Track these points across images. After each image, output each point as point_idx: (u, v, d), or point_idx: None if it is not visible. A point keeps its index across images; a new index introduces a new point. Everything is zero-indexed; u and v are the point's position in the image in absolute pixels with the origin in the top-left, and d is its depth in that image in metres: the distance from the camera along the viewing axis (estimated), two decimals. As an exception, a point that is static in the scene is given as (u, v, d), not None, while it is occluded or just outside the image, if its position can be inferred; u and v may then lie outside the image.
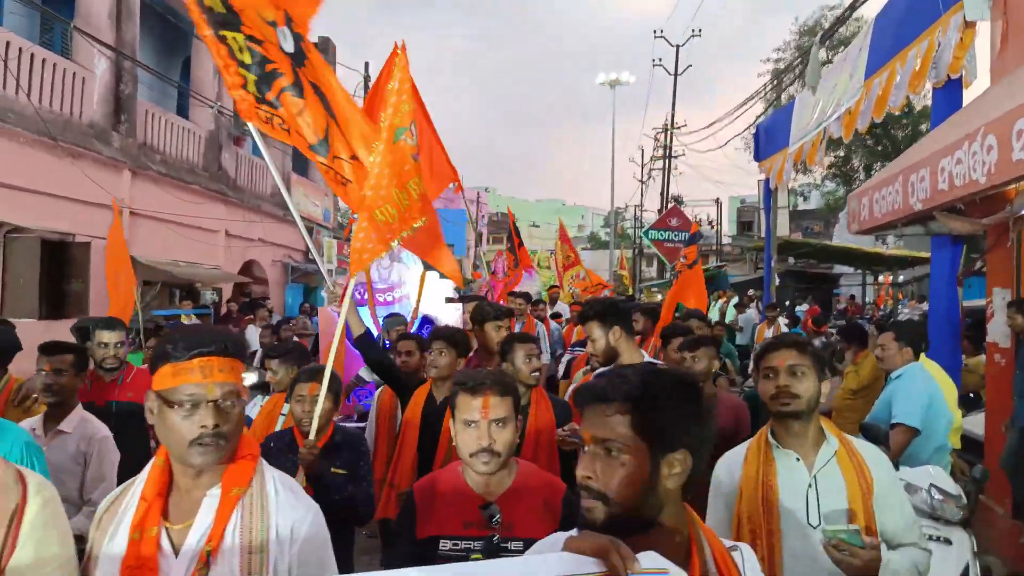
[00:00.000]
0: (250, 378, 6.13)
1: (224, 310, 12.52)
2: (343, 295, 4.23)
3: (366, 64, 18.87)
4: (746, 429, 3.62)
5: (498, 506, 1.92)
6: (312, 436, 2.57)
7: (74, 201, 9.61)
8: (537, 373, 3.04)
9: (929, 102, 6.90)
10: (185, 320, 9.96)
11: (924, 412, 3.86)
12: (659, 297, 19.82)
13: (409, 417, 3.33)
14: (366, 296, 4.56)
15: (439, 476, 2.08)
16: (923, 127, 17.49)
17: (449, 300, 7.29)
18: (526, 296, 7.37)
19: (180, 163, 12.08)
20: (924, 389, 3.96)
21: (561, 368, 4.99)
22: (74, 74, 9.70)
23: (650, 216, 28.57)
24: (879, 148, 20.01)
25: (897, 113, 18.93)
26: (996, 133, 3.49)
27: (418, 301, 4.50)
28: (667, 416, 1.22)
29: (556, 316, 9.66)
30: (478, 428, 1.95)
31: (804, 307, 18.21)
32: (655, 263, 30.77)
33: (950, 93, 5.70)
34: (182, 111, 13.09)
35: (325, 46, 18.92)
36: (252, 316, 10.46)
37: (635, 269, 33.67)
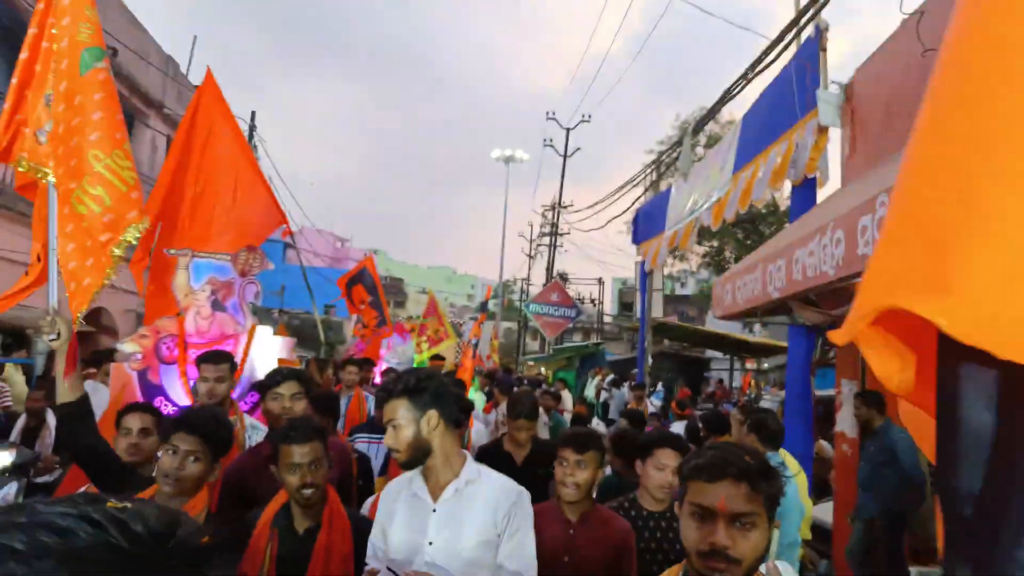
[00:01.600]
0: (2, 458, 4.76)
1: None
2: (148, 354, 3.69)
3: (252, 113, 18.22)
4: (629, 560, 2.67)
5: None
6: None
7: None
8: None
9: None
10: (10, 373, 8.72)
11: (780, 508, 3.75)
12: (541, 370, 19.80)
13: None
14: (176, 352, 3.95)
15: None
16: (787, 225, 18.77)
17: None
18: (366, 363, 6.96)
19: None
20: (796, 498, 3.88)
21: (379, 462, 4.02)
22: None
23: (536, 290, 28.94)
24: (748, 242, 21.37)
25: (764, 211, 20.16)
26: (844, 228, 3.57)
27: (243, 362, 3.93)
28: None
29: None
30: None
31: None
32: (539, 337, 31.03)
33: (806, 191, 6.00)
34: None
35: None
36: (95, 370, 9.28)
37: (519, 342, 33.79)
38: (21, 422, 5.68)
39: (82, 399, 2.53)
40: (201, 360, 3.35)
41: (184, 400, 3.86)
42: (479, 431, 5.38)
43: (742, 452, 1.49)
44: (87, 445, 2.50)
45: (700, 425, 6.91)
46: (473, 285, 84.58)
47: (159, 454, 2.34)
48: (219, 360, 3.33)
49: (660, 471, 2.86)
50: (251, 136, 20.29)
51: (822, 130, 5.60)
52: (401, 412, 2.10)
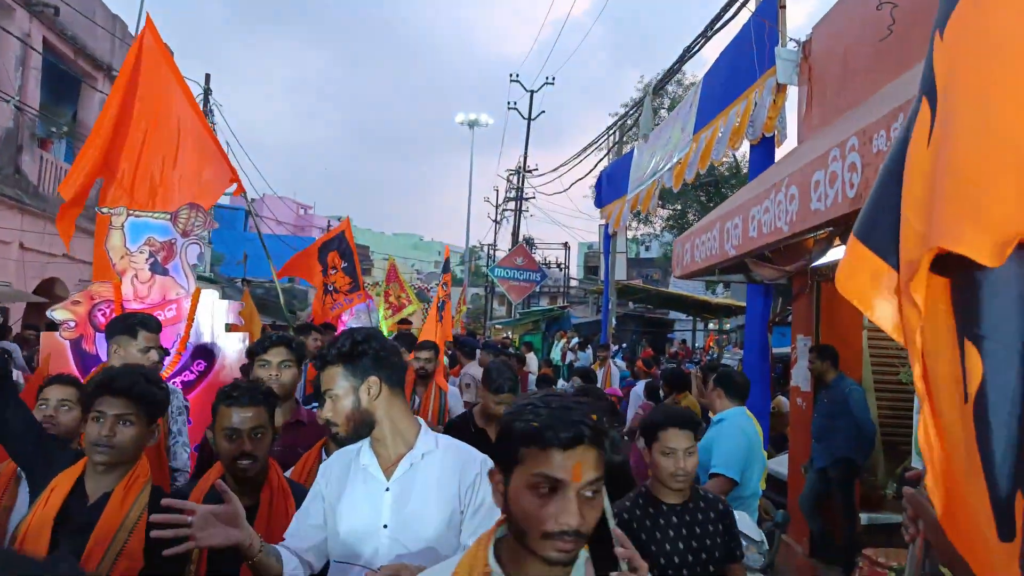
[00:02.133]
0: None
1: (13, 333, 10.86)
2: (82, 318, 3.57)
3: (207, 76, 17.64)
4: None
5: None
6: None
7: None
8: None
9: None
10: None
11: (743, 462, 3.81)
12: (505, 334, 19.90)
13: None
14: (111, 317, 3.75)
15: None
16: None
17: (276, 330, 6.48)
18: (327, 329, 6.77)
19: (-38, 161, 10.49)
20: (744, 438, 3.91)
21: None
22: None
23: (504, 256, 28.92)
24: (711, 204, 21.57)
25: (727, 174, 20.29)
26: (797, 184, 3.61)
27: (188, 328, 3.76)
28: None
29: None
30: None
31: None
32: (506, 302, 31.10)
33: (764, 150, 6.06)
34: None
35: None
36: None
37: (487, 307, 33.85)
38: None
39: (1, 363, 2.21)
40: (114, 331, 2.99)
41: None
42: (455, 396, 5.17)
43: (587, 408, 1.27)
44: (5, 416, 2.18)
45: (660, 383, 7.04)
46: (440, 252, 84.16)
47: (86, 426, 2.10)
48: (150, 327, 3.02)
49: (668, 456, 2.52)
50: (206, 101, 19.68)
51: (780, 88, 5.64)
52: (339, 381, 1.85)
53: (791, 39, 5.58)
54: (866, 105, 4.01)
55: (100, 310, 3.69)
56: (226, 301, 4.04)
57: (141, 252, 3.88)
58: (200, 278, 19.51)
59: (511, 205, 28.02)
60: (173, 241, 3.95)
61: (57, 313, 3.67)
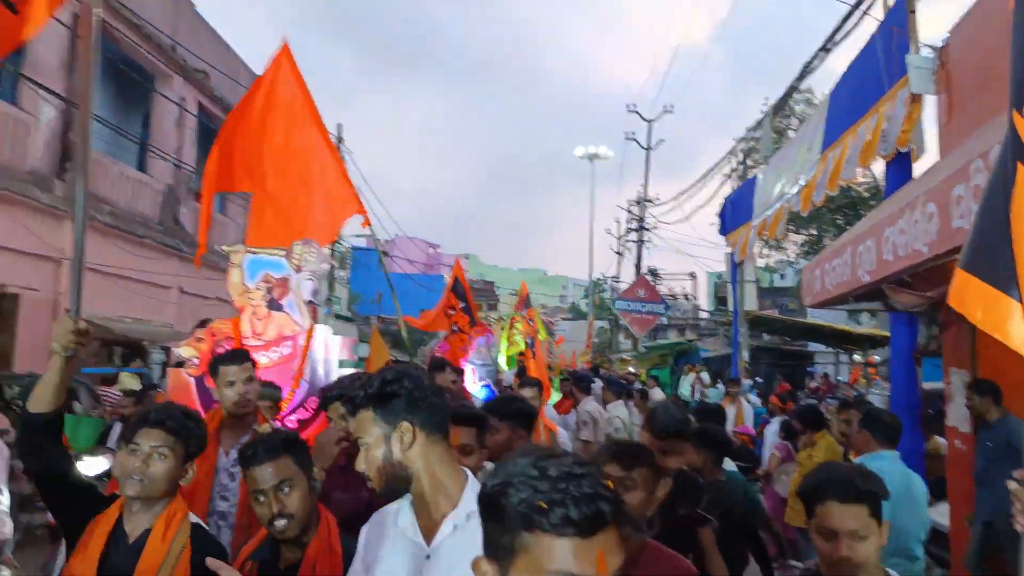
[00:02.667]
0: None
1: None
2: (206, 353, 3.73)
3: (339, 126, 18.86)
4: None
5: None
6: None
7: (6, 250, 9.18)
8: None
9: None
10: (124, 380, 9.37)
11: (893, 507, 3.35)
12: (629, 369, 19.45)
13: None
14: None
15: None
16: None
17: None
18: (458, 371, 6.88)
19: (132, 216, 11.74)
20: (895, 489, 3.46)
21: None
22: (16, 120, 9.44)
23: (625, 288, 28.48)
24: (849, 228, 20.19)
25: (865, 195, 18.97)
26: (936, 201, 3.25)
27: (302, 365, 3.78)
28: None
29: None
30: None
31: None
32: (631, 335, 30.53)
33: (900, 166, 5.56)
34: (141, 165, 12.87)
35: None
36: None
37: (611, 340, 33.35)
38: (118, 429, 5.92)
39: (60, 412, 2.14)
40: (220, 362, 2.95)
41: None
42: (565, 436, 4.99)
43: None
44: (54, 467, 2.11)
45: (796, 420, 6.54)
46: (564, 286, 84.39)
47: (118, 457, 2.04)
48: (242, 359, 2.98)
49: (828, 540, 1.89)
50: (339, 149, 21.00)
51: (915, 99, 5.16)
52: (369, 428, 1.63)
53: (925, 45, 5.12)
54: (1005, 115, 3.56)
55: (222, 347, 3.72)
56: (339, 337, 4.16)
57: (258, 288, 3.93)
58: (338, 316, 20.63)
59: (633, 236, 27.63)
60: (288, 277, 3.98)
61: (182, 350, 3.79)
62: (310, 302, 4.02)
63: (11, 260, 9.29)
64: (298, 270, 3.99)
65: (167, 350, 13.03)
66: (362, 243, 40.37)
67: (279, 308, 3.93)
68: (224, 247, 4.05)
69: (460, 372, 6.75)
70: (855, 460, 3.72)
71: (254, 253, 3.99)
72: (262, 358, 3.68)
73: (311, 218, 4.30)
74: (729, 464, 3.94)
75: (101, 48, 10.77)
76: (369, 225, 4.53)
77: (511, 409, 3.18)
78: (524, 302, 12.49)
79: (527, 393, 4.69)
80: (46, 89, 9.42)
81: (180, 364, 3.86)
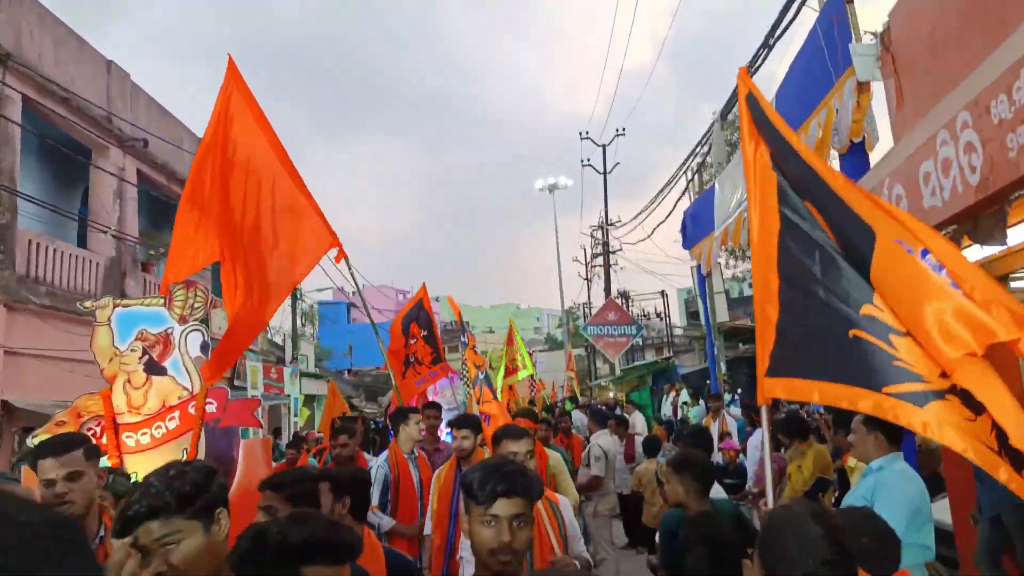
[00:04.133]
0: None
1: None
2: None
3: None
4: None
5: None
6: None
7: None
8: None
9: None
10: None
11: (907, 521, 3.04)
12: (610, 394, 19.10)
13: None
14: (103, 438, 3.08)
15: None
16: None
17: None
18: (436, 407, 6.44)
19: (72, 294, 11.19)
20: (909, 494, 3.15)
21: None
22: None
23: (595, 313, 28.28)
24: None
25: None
26: (902, 181, 3.01)
27: (195, 438, 3.13)
28: None
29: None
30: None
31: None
32: (607, 360, 30.24)
33: (855, 157, 5.39)
34: (82, 241, 12.36)
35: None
36: None
37: (590, 367, 33.01)
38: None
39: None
40: (36, 455, 2.34)
41: None
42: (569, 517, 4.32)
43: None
44: None
45: (779, 430, 6.25)
46: (539, 318, 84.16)
47: None
48: (62, 449, 2.35)
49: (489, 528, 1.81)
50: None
51: (862, 88, 5.02)
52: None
53: (865, 32, 4.99)
54: (969, 80, 3.37)
55: (89, 428, 3.09)
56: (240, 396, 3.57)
57: (133, 350, 3.19)
58: (305, 374, 19.95)
59: (600, 261, 27.54)
60: (169, 331, 3.24)
61: (38, 440, 3.01)
62: (198, 358, 3.27)
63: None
64: (182, 320, 3.27)
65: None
66: (328, 296, 39.80)
67: (161, 371, 3.19)
68: (86, 303, 3.34)
69: (436, 407, 6.19)
70: (872, 464, 3.38)
71: (125, 307, 3.29)
72: (143, 437, 3.07)
73: (285, 259, 3.63)
74: (716, 490, 3.61)
75: (34, 127, 10.35)
76: (346, 257, 3.88)
77: None
78: (511, 338, 12.35)
79: (512, 447, 3.50)
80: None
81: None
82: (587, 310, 34.97)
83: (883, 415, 2.03)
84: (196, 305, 3.25)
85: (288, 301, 21.33)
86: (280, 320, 21.60)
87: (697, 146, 10.98)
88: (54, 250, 11.07)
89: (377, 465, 3.90)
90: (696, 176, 12.64)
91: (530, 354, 32.46)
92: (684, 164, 11.49)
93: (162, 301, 3.25)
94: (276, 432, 15.18)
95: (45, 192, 11.73)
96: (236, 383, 16.18)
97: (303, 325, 37.54)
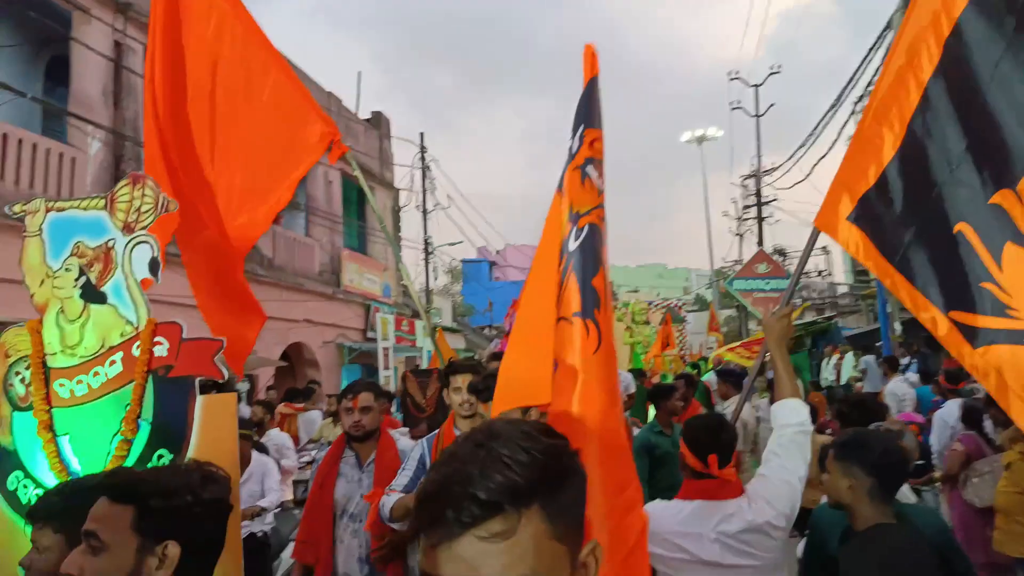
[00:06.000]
0: None
1: (260, 398, 11.40)
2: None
3: (421, 135, 18.25)
4: None
5: None
6: None
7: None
8: None
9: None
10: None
11: None
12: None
13: None
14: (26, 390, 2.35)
15: None
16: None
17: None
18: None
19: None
20: None
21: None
22: (61, 155, 9.17)
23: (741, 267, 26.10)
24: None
25: None
26: None
27: (137, 394, 2.32)
28: None
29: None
30: None
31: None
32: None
33: None
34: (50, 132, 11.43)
35: (377, 120, 18.52)
36: (303, 404, 9.23)
37: (740, 328, 30.83)
38: None
39: None
40: None
41: (48, 476, 2.23)
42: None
43: None
44: None
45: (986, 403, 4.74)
46: (687, 278, 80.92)
47: None
48: None
49: None
50: (423, 159, 20.42)
51: None
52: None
53: None
54: None
55: (18, 372, 2.30)
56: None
57: (68, 269, 2.36)
58: (446, 329, 19.85)
59: (752, 213, 25.21)
60: (111, 244, 2.36)
61: None
62: (145, 279, 2.31)
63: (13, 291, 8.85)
64: (127, 229, 2.36)
65: (253, 377, 12.58)
66: (472, 255, 40.17)
67: (100, 299, 2.31)
68: (15, 206, 2.45)
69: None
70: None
71: (59, 211, 2.43)
72: (77, 386, 2.26)
73: (279, 155, 3.06)
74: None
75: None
76: (345, 153, 3.05)
77: None
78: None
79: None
80: (90, 122, 9.11)
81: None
82: (737, 267, 32.61)
83: (937, 337, 1.89)
84: (144, 209, 2.35)
85: (421, 256, 21.29)
86: (416, 274, 21.65)
87: (859, 67, 9.07)
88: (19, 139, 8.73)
89: (412, 447, 3.15)
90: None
91: (680, 312, 30.99)
92: (847, 86, 9.61)
93: (102, 203, 2.41)
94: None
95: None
96: (369, 334, 16.28)
97: (451, 282, 38.32)
